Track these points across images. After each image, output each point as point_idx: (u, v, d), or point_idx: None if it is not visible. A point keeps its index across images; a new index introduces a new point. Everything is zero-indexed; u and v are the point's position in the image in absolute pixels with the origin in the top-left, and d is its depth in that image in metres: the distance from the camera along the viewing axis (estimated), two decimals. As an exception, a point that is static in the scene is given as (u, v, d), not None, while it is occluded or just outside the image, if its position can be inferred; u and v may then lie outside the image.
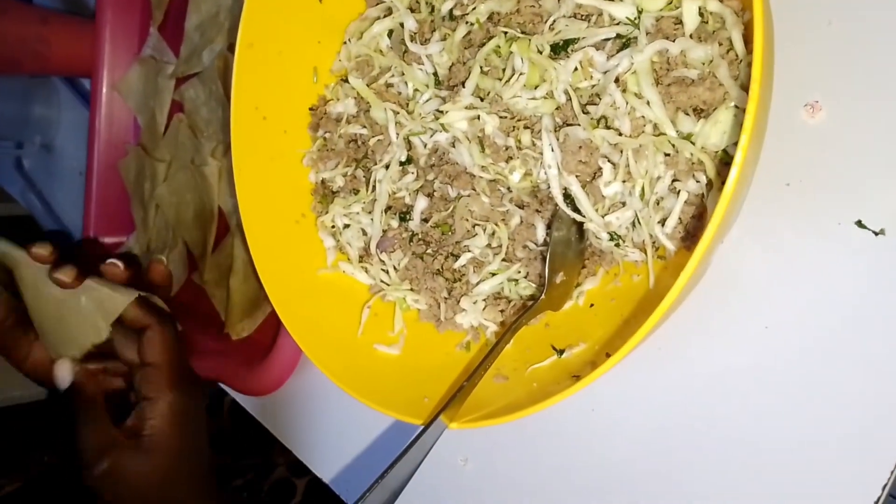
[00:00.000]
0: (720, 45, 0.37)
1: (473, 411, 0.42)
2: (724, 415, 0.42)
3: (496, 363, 0.46)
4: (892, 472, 0.37)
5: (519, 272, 0.46)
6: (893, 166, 0.37)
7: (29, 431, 0.61)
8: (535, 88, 0.42)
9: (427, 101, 0.47)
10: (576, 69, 0.41)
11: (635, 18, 0.39)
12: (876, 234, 0.37)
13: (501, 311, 0.47)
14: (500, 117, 0.43)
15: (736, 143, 0.30)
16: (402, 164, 0.48)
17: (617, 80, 0.40)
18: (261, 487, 0.77)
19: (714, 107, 0.38)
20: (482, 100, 0.44)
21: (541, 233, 0.45)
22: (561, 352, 0.44)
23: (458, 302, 0.47)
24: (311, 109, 0.53)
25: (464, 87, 0.44)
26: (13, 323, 0.52)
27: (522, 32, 0.42)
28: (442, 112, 0.45)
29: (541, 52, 0.41)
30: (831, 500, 0.39)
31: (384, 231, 0.50)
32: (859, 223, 0.37)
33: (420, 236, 0.49)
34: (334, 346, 0.47)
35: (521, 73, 0.42)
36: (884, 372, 0.37)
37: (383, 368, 0.48)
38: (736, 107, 0.37)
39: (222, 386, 0.66)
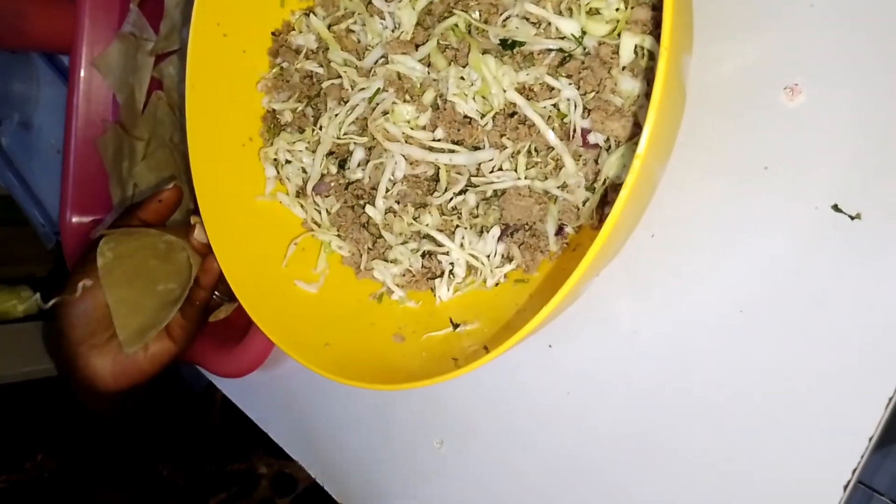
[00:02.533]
0: (648, 84, 0.38)
1: (359, 366, 0.43)
2: (699, 397, 0.42)
3: (398, 322, 0.47)
4: (862, 457, 0.37)
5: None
6: (871, 150, 0.37)
7: (28, 416, 0.60)
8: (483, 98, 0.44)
9: (379, 58, 0.48)
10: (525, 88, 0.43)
11: (579, 37, 0.41)
12: (852, 218, 0.37)
13: (413, 278, 0.49)
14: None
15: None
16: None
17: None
18: None
19: (622, 142, 0.40)
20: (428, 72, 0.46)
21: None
22: (456, 326, 0.45)
23: (381, 254, 0.50)
24: (273, 34, 0.54)
25: (416, 50, 0.45)
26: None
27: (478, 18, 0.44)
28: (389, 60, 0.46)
29: (487, 52, 0.43)
30: (802, 483, 0.39)
31: (322, 175, 0.51)
32: (836, 207, 0.37)
33: (355, 186, 0.50)
34: (255, 271, 0.48)
35: (471, 83, 0.44)
36: (856, 356, 0.37)
37: (297, 305, 0.49)
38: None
39: (200, 369, 0.66)
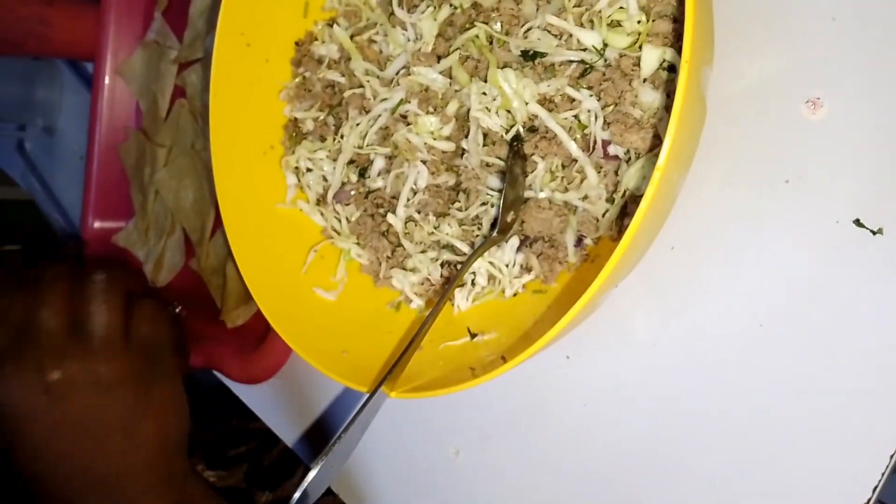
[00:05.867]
0: (668, 96, 0.38)
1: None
2: (717, 412, 0.42)
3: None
4: (882, 475, 0.36)
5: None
6: (894, 165, 0.36)
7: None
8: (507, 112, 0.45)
9: (400, 69, 0.49)
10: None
11: (601, 48, 0.41)
12: (874, 233, 0.37)
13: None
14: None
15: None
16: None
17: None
18: (260, 461, 0.76)
19: (641, 154, 0.40)
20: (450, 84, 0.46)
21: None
22: (474, 335, 0.46)
23: (400, 262, 0.50)
24: (296, 44, 0.55)
25: (439, 62, 0.46)
26: None
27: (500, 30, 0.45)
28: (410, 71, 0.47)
29: (507, 65, 0.43)
30: (821, 501, 0.38)
31: (343, 183, 0.52)
32: (857, 222, 0.37)
33: (375, 195, 0.51)
34: (275, 277, 0.49)
35: (493, 98, 0.44)
36: (879, 370, 0.36)
37: (315, 312, 0.50)
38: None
39: (216, 373, 0.66)
